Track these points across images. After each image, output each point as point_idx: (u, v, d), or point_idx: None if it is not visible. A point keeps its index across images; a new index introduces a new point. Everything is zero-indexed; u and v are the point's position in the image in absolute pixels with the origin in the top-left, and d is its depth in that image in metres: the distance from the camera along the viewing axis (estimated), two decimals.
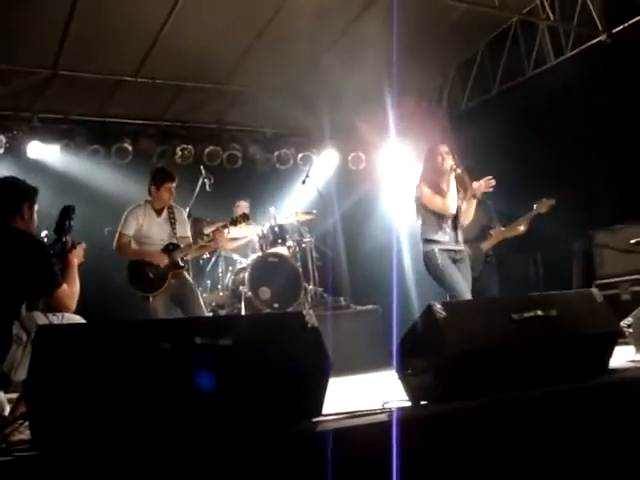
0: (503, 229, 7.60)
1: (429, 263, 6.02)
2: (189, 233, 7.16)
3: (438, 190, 6.07)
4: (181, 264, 6.83)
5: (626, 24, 8.53)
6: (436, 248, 5.97)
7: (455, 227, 6.12)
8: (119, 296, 7.21)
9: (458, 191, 6.11)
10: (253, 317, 5.78)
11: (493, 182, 6.29)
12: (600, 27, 8.76)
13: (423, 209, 6.11)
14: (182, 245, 6.88)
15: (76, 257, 4.45)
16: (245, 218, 7.40)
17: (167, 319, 6.20)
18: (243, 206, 9.07)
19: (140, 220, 6.82)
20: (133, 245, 6.85)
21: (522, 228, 7.48)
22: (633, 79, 8.31)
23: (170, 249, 6.80)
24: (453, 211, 6.04)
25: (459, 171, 6.05)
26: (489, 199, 7.71)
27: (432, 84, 10.83)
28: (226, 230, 7.23)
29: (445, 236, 6.03)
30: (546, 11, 9.21)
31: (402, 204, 10.17)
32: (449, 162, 6.05)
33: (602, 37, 8.78)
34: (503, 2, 8.90)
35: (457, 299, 5.70)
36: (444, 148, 6.19)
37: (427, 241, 6.04)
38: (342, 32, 9.05)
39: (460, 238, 6.15)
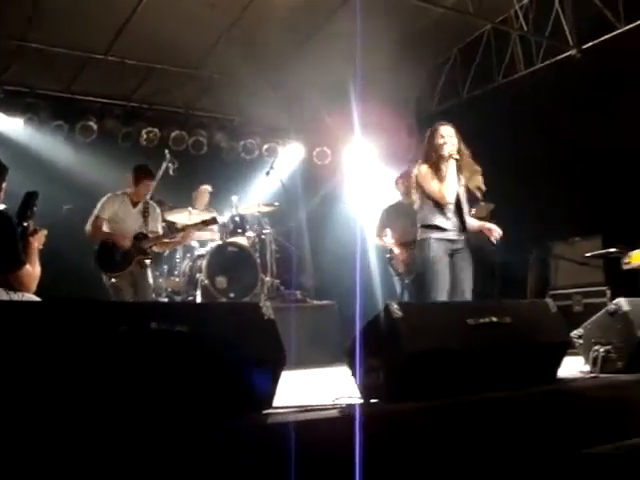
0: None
1: (420, 252, 5.65)
2: (160, 229, 7.42)
3: (436, 173, 5.65)
4: (147, 251, 7.11)
5: (596, 41, 8.65)
6: (432, 237, 5.56)
7: (459, 213, 5.71)
8: (77, 275, 7.20)
9: (459, 178, 5.73)
10: (210, 305, 5.77)
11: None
12: (571, 42, 8.87)
13: (420, 191, 5.72)
14: (151, 237, 7.19)
15: (37, 241, 4.41)
16: (214, 222, 7.75)
17: (123, 302, 6.25)
18: (204, 190, 9.03)
19: (116, 207, 7.12)
20: (104, 228, 7.08)
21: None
22: (599, 95, 8.44)
23: (139, 237, 7.09)
24: (450, 200, 5.62)
25: (457, 157, 5.68)
26: None
27: (403, 85, 10.85)
28: (193, 230, 7.59)
29: (447, 222, 5.62)
30: (519, 21, 9.31)
31: (366, 200, 10.23)
32: (449, 147, 5.67)
33: (572, 51, 8.89)
34: (477, 9, 8.97)
35: (432, 298, 5.46)
36: (448, 130, 5.80)
37: (424, 227, 5.64)
38: (315, 27, 9.06)
39: (465, 227, 5.72)
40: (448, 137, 5.72)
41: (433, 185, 5.61)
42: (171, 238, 7.45)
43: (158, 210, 7.49)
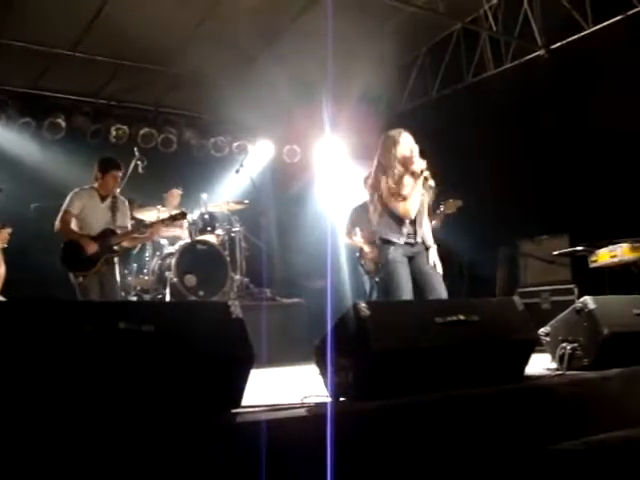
0: None
1: (380, 258, 5.72)
2: (128, 224, 7.29)
3: (400, 188, 5.57)
4: (115, 249, 6.96)
5: (564, 41, 8.73)
6: (391, 247, 5.58)
7: (415, 225, 5.70)
8: (45, 274, 7.13)
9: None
10: (177, 304, 5.73)
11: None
12: (539, 42, 8.94)
13: (382, 205, 5.68)
14: (119, 232, 7.03)
15: (0, 240, 4.36)
16: (183, 216, 7.59)
17: (91, 301, 6.17)
18: (176, 194, 8.99)
19: (84, 202, 6.95)
20: (73, 225, 6.92)
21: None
22: (566, 95, 8.53)
23: (107, 234, 6.92)
24: (412, 216, 5.63)
25: (429, 182, 5.64)
26: None
27: (373, 84, 10.87)
28: (161, 226, 7.45)
29: (401, 238, 5.62)
30: (489, 21, 9.37)
31: (336, 199, 10.25)
32: (419, 164, 5.59)
33: (540, 52, 8.96)
34: (447, 9, 9.01)
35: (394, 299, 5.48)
36: (410, 141, 5.69)
37: (382, 240, 5.66)
38: (285, 25, 9.05)
39: (420, 232, 5.70)
40: (413, 148, 5.66)
41: (396, 203, 5.57)
42: (140, 233, 7.29)
43: (127, 204, 7.36)
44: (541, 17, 8.92)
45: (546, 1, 8.78)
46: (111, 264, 6.98)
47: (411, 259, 5.66)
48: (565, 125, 8.57)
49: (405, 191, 5.56)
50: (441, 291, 5.63)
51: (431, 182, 5.69)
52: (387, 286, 5.65)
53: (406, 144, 5.68)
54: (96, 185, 7.03)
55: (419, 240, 5.71)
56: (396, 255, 5.58)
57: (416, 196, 5.60)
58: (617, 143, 8.02)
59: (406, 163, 5.61)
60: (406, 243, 5.64)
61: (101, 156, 7.31)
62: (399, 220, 5.62)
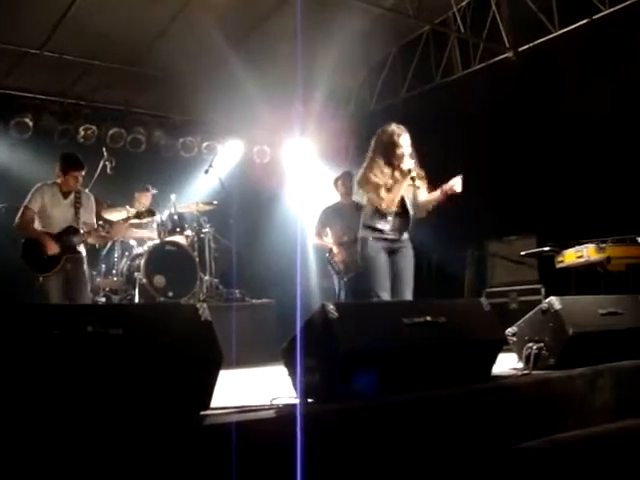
0: None
1: (360, 250, 5.77)
2: (93, 220, 7.04)
3: (386, 182, 5.68)
4: (77, 249, 6.73)
5: (532, 44, 8.82)
6: (370, 237, 5.69)
7: (403, 216, 5.79)
8: (10, 276, 7.02)
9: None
10: (145, 307, 5.70)
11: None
12: (507, 44, 9.02)
13: (367, 196, 5.82)
14: (82, 230, 6.78)
15: None
16: (151, 213, 7.48)
17: (59, 305, 6.05)
18: (147, 194, 8.92)
19: (45, 199, 6.72)
20: (36, 223, 6.71)
21: None
22: (533, 97, 8.61)
23: (70, 232, 6.70)
24: (391, 208, 5.69)
25: (414, 176, 5.69)
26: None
27: (342, 84, 10.91)
28: (127, 223, 7.30)
29: (387, 225, 5.71)
30: (457, 24, 9.43)
31: (306, 200, 10.26)
32: (409, 163, 5.72)
33: (508, 54, 9.05)
34: (416, 11, 9.05)
35: (373, 295, 5.57)
36: (407, 140, 5.81)
37: (365, 227, 5.77)
38: (255, 26, 9.05)
39: (405, 227, 5.80)
40: (406, 148, 5.77)
41: (381, 196, 5.66)
42: (105, 232, 7.01)
43: (92, 199, 7.12)
44: (509, 20, 9.01)
45: (514, 4, 8.86)
46: (78, 263, 6.75)
47: (391, 254, 5.74)
48: (533, 126, 8.67)
49: (389, 184, 5.68)
50: (407, 294, 5.76)
51: (417, 183, 5.78)
52: (365, 281, 5.73)
53: (401, 141, 5.78)
54: (59, 180, 6.80)
55: (403, 237, 5.81)
56: (377, 250, 5.66)
57: (399, 191, 5.68)
58: (584, 144, 8.12)
59: (397, 159, 5.72)
60: (387, 239, 5.72)
61: (64, 152, 7.14)
62: (382, 212, 5.71)
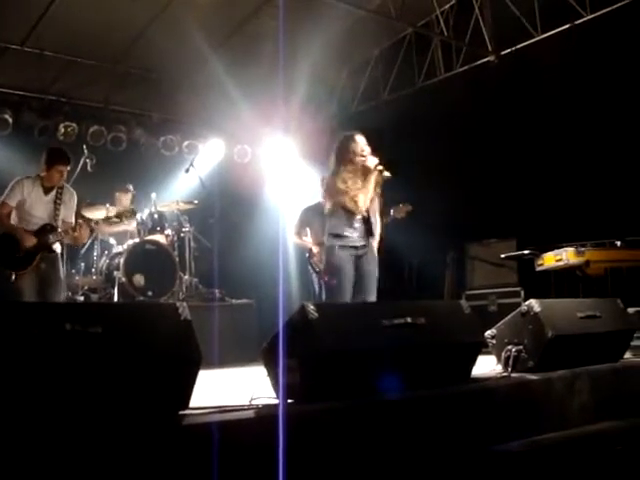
0: None
1: (327, 258, 5.91)
2: (72, 219, 6.84)
3: (353, 184, 5.79)
4: (52, 247, 6.53)
5: (514, 48, 8.85)
6: (337, 245, 5.78)
7: (366, 221, 5.91)
8: None
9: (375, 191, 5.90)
10: (125, 305, 5.68)
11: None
12: (490, 48, 9.05)
13: (333, 200, 5.89)
14: (60, 229, 6.60)
15: None
16: (132, 214, 7.40)
17: (37, 302, 5.94)
18: (124, 199, 8.85)
19: (25, 194, 6.53)
20: (13, 217, 6.54)
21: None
22: (514, 100, 8.66)
23: (47, 230, 6.53)
24: (362, 208, 5.82)
25: (384, 173, 5.83)
26: None
27: (324, 85, 10.91)
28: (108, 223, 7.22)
29: (354, 231, 5.84)
30: (440, 26, 9.45)
31: (286, 199, 10.24)
32: (372, 160, 5.81)
33: (490, 57, 9.08)
34: (399, 13, 9.07)
35: (334, 300, 5.70)
36: (364, 140, 5.92)
37: (331, 235, 5.86)
38: (237, 26, 9.04)
39: (370, 232, 5.90)
40: (366, 147, 5.89)
41: (355, 199, 5.78)
42: (74, 235, 6.66)
43: (75, 196, 6.91)
44: (492, 23, 9.04)
45: (497, 8, 8.89)
46: (53, 262, 6.58)
47: (356, 260, 5.85)
48: (514, 130, 8.71)
49: (357, 186, 5.78)
50: (373, 296, 5.93)
51: (386, 173, 5.87)
52: (330, 285, 5.86)
53: (360, 143, 5.89)
54: (42, 175, 6.62)
55: (368, 243, 5.91)
56: (343, 259, 5.78)
57: (368, 191, 5.82)
58: (564, 148, 8.17)
59: (360, 161, 5.82)
60: (353, 246, 5.83)
61: (51, 146, 7.05)
62: (350, 215, 5.83)
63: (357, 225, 5.86)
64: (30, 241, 6.39)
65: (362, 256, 5.88)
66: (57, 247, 6.67)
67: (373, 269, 5.95)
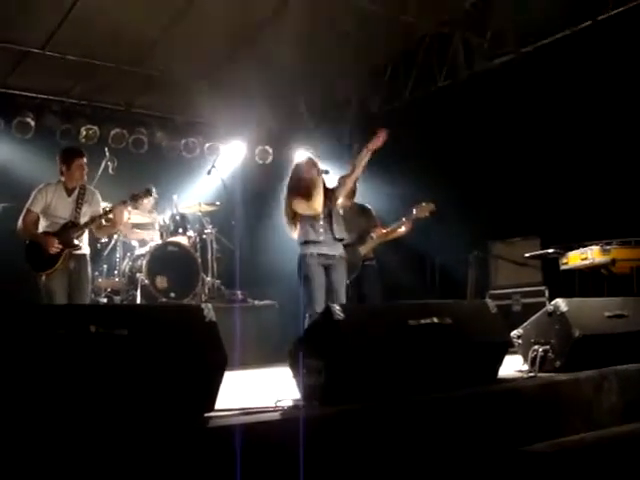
0: (384, 231, 7.52)
1: (298, 269, 6.14)
2: (101, 211, 6.82)
3: (305, 195, 6.13)
4: (75, 242, 6.55)
5: (536, 45, 8.77)
6: (308, 253, 6.04)
7: (330, 228, 6.18)
8: (14, 275, 6.95)
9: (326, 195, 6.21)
10: (151, 307, 5.67)
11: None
12: (512, 45, 8.97)
13: (295, 217, 6.20)
14: (79, 224, 6.63)
15: None
16: (148, 193, 7.26)
17: (63, 305, 5.99)
18: (146, 201, 8.78)
19: (49, 199, 6.59)
20: (41, 222, 6.61)
21: (403, 229, 7.40)
22: (537, 98, 8.58)
23: (68, 227, 6.57)
24: (319, 209, 6.11)
25: (327, 171, 6.26)
26: (369, 202, 7.78)
27: (345, 86, 10.88)
28: (125, 208, 7.10)
29: (319, 237, 6.10)
30: (461, 25, 9.38)
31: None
32: (314, 169, 6.18)
33: (512, 55, 9.00)
34: (419, 13, 9.02)
35: (310, 309, 5.89)
36: (309, 160, 6.32)
37: (302, 244, 6.12)
38: (259, 27, 9.02)
39: (336, 239, 6.21)
40: (312, 165, 6.26)
41: (303, 203, 6.10)
42: (101, 222, 6.78)
43: (98, 194, 6.92)
44: (513, 19, 8.96)
45: (518, 5, 8.81)
46: (82, 262, 6.64)
47: (326, 269, 6.10)
48: (537, 127, 8.63)
49: (308, 192, 6.10)
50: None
51: (324, 169, 6.28)
52: (304, 298, 6.06)
53: (303, 164, 6.31)
54: (63, 179, 6.68)
55: (337, 252, 6.20)
56: (314, 267, 6.04)
57: (318, 195, 6.10)
58: (589, 145, 8.08)
59: (304, 175, 6.20)
60: (323, 254, 6.09)
61: (62, 148, 7.04)
62: (312, 219, 6.13)
63: (322, 231, 6.15)
64: (52, 242, 6.45)
65: (332, 264, 6.15)
66: (85, 247, 6.73)
67: (343, 278, 6.25)
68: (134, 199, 7.11)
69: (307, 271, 6.00)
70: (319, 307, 5.70)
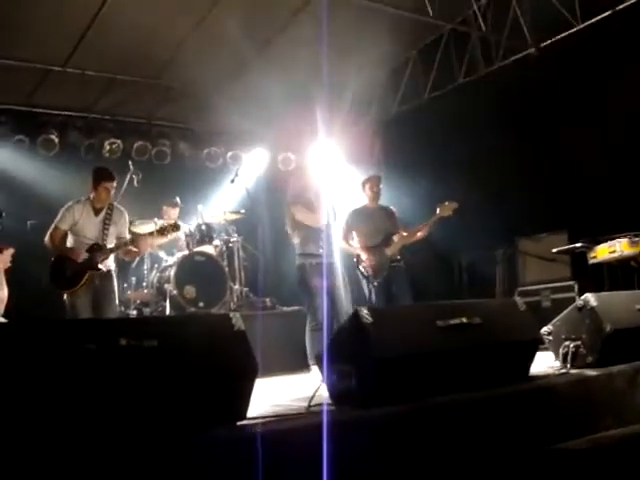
0: (405, 234, 7.50)
1: (300, 275, 6.31)
2: (126, 235, 6.99)
3: (309, 206, 6.32)
4: (99, 266, 6.61)
5: (554, 39, 8.73)
6: (308, 263, 6.20)
7: (330, 240, 6.40)
8: (43, 292, 7.02)
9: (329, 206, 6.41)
10: (179, 318, 5.71)
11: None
12: (529, 40, 8.93)
13: (298, 226, 6.37)
14: (109, 246, 6.72)
15: (1, 262, 4.29)
16: (176, 228, 7.32)
17: (90, 319, 6.05)
18: (172, 213, 8.91)
19: (76, 216, 6.68)
20: (69, 240, 6.70)
21: (420, 234, 7.37)
22: (558, 92, 8.53)
23: (94, 249, 6.64)
24: (324, 222, 6.31)
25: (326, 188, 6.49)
26: (394, 205, 7.79)
27: (364, 87, 10.87)
28: (151, 239, 7.17)
29: (319, 249, 6.27)
30: (478, 21, 9.36)
31: (332, 204, 10.22)
32: (320, 184, 6.44)
33: (530, 50, 8.96)
34: (436, 11, 9.00)
35: (312, 316, 6.11)
36: (314, 171, 6.56)
37: (302, 255, 6.30)
38: (275, 32, 9.04)
39: (333, 249, 6.44)
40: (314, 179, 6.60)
41: (309, 215, 6.34)
42: (127, 249, 6.85)
43: (125, 215, 7.05)
44: (530, 16, 8.92)
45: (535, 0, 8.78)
46: (107, 279, 6.72)
47: (328, 277, 6.24)
48: (560, 121, 8.58)
49: (314, 205, 6.35)
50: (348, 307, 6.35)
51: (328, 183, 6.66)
52: (308, 307, 6.38)
53: (307, 174, 6.64)
54: (91, 197, 6.77)
55: (335, 258, 6.44)
56: (316, 277, 6.19)
57: (322, 207, 6.35)
58: (612, 139, 8.01)
59: (308, 186, 6.50)
60: (320, 263, 6.24)
61: (96, 166, 7.15)
62: (313, 232, 6.33)
63: (321, 243, 6.33)
64: (79, 255, 6.53)
65: (335, 271, 6.41)
66: (111, 264, 6.82)
67: (346, 284, 6.51)
68: (161, 232, 7.21)
69: (308, 281, 6.20)
70: (321, 315, 5.95)
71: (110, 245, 6.74)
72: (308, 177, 6.49)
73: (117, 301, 7.00)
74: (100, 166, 7.14)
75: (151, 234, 7.09)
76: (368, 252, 7.60)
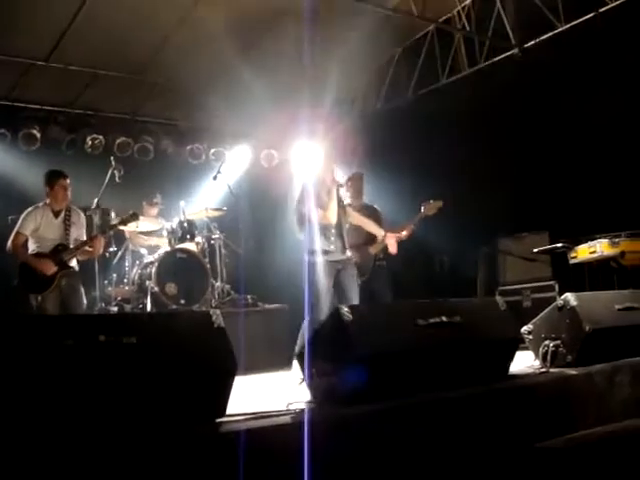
0: (389, 234, 7.51)
1: (308, 275, 6.17)
2: (84, 237, 7.10)
3: (320, 202, 6.20)
4: (70, 264, 6.82)
5: (537, 40, 8.76)
6: (318, 260, 6.10)
7: (340, 236, 6.28)
8: (12, 293, 7.00)
9: (340, 204, 6.30)
10: (159, 315, 5.69)
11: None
12: (513, 41, 8.96)
13: (307, 222, 6.24)
14: (72, 246, 6.89)
15: None
16: (135, 217, 7.42)
17: (70, 315, 6.07)
18: (151, 211, 8.91)
19: (38, 221, 6.84)
20: (30, 244, 6.83)
21: (405, 232, 7.37)
22: (540, 93, 8.57)
23: (59, 249, 6.80)
24: (334, 221, 6.20)
25: (341, 184, 6.38)
26: (376, 203, 7.80)
27: (348, 86, 10.88)
28: (105, 238, 7.31)
29: (330, 245, 6.19)
30: (462, 21, 9.38)
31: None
32: (332, 177, 6.27)
33: (514, 50, 8.99)
34: (421, 10, 9.02)
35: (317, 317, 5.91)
36: (328, 169, 6.38)
37: (311, 252, 6.16)
38: (260, 31, 9.02)
39: (346, 246, 6.30)
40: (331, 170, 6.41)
41: (319, 212, 6.18)
42: (84, 249, 6.97)
43: (82, 216, 7.20)
44: (514, 16, 8.95)
45: (519, 0, 8.80)
46: (73, 278, 6.85)
47: (337, 276, 6.19)
48: (542, 122, 8.62)
49: (325, 202, 6.19)
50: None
51: (341, 182, 6.49)
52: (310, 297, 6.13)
53: (327, 174, 6.36)
54: (48, 201, 6.92)
55: (345, 256, 6.29)
56: (323, 276, 6.12)
57: (334, 204, 6.20)
58: (593, 140, 8.06)
59: (321, 180, 6.32)
60: (333, 260, 6.18)
61: (46, 170, 7.20)
62: (324, 229, 6.21)
63: (333, 239, 6.25)
64: (47, 265, 6.67)
65: (343, 270, 6.24)
66: (74, 263, 6.96)
67: (354, 283, 6.33)
68: (123, 223, 7.41)
69: (315, 278, 6.07)
70: (323, 313, 5.78)
71: (72, 245, 6.89)
72: (322, 176, 6.35)
73: (85, 300, 7.02)
74: (51, 169, 7.20)
75: (103, 232, 7.21)
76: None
